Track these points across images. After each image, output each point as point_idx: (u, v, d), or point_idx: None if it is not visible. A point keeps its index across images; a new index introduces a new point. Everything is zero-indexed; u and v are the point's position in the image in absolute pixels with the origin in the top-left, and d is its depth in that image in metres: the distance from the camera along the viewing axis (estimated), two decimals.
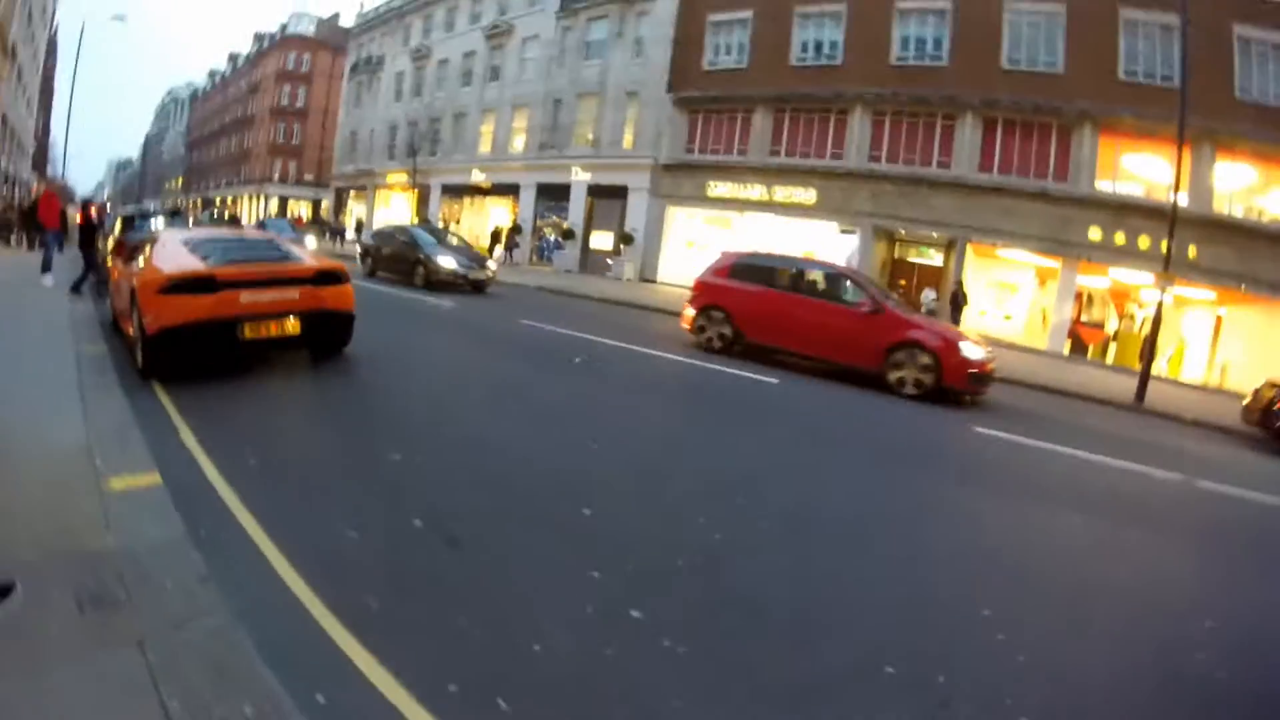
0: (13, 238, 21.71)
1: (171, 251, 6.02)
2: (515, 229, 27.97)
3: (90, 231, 11.09)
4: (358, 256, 18.68)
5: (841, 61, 22.55)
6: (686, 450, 5.32)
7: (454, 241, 17.73)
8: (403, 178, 35.42)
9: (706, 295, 10.42)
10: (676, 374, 8.75)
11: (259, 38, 68.17)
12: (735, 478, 4.71)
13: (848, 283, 9.66)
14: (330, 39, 57.89)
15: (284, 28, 62.52)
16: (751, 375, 8.77)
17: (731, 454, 5.34)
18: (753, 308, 9.82)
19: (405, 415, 5.34)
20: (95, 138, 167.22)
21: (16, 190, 33.42)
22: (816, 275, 10.05)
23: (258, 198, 61.23)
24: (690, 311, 10.51)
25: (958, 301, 17.93)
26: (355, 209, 42.74)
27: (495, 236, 27.39)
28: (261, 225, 47.88)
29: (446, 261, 15.13)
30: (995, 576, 3.56)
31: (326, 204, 48.64)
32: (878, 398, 8.36)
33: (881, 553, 3.73)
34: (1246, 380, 19.52)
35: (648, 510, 3.94)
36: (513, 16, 31.77)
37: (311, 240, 26.30)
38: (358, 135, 42.86)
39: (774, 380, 8.62)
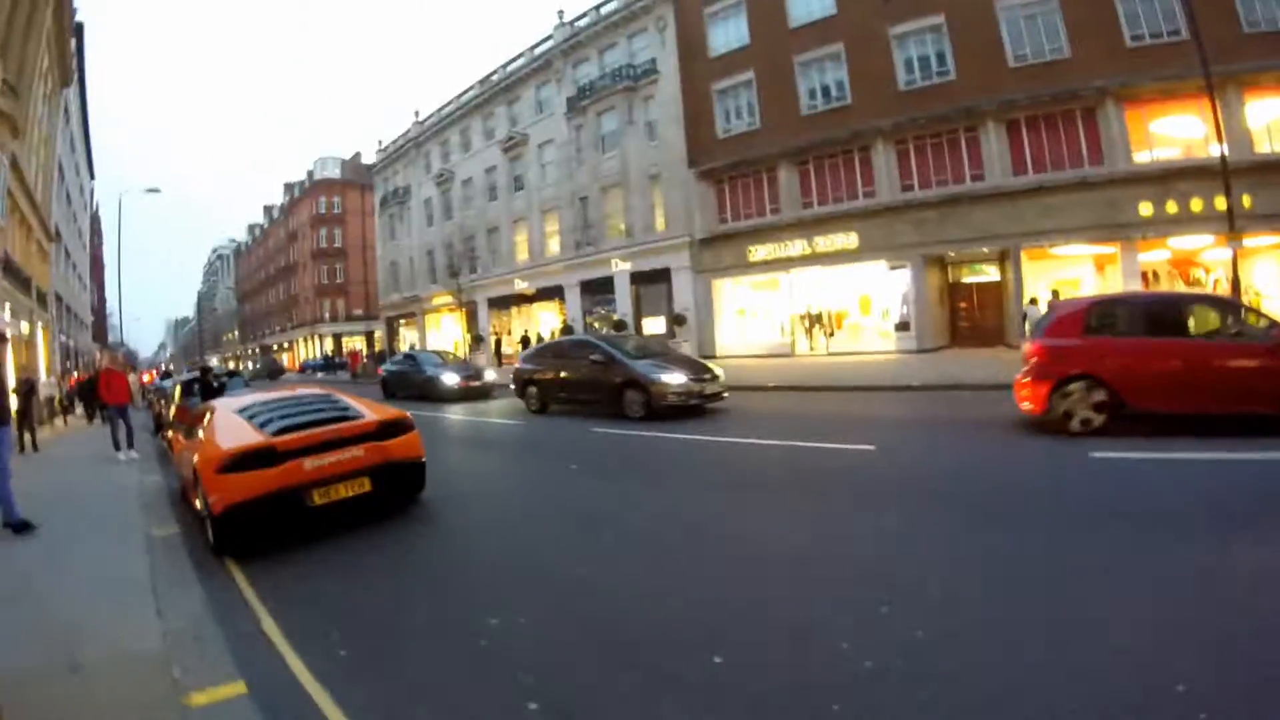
0: (79, 410, 23.54)
1: (228, 423, 6.22)
2: (566, 329, 30.10)
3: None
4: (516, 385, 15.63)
5: (851, 100, 23.99)
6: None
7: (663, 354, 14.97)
8: (448, 299, 38.44)
9: (1060, 362, 8.23)
10: (1064, 476, 6.43)
11: (289, 187, 75.28)
12: None
13: (1242, 312, 8.38)
14: (356, 177, 63.76)
15: (310, 174, 69.02)
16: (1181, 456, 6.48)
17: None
18: (1135, 364, 7.96)
19: (496, 565, 5.11)
20: (151, 301, 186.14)
21: (79, 361, 36.43)
22: (1197, 308, 8.74)
23: (311, 338, 66.62)
24: (1031, 387, 8.33)
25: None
26: (407, 335, 46.31)
27: (525, 343, 29.19)
28: (304, 368, 52.76)
29: (676, 379, 11.78)
30: None
31: (380, 335, 52.64)
32: None
33: None
34: None
35: None
36: (525, 126, 34.86)
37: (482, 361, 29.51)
38: (398, 264, 46.78)
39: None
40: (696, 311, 26.51)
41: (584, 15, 32.36)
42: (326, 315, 64.84)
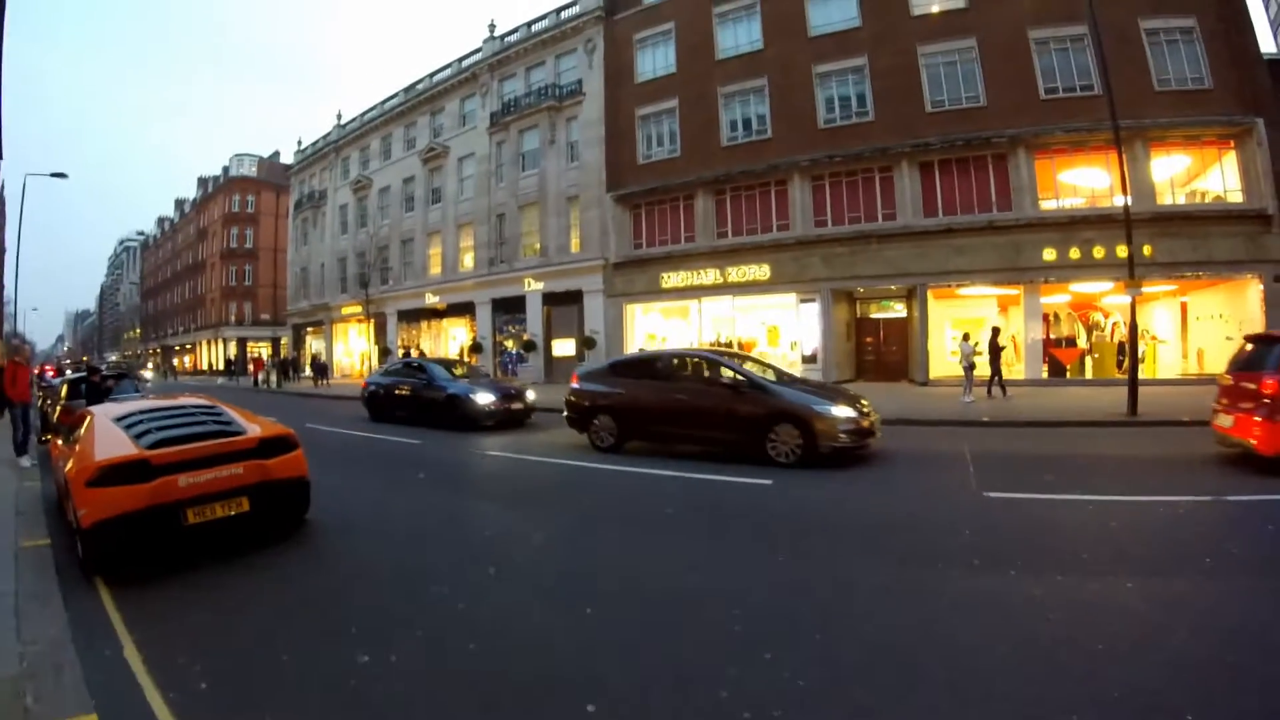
0: None
1: (104, 432, 5.79)
2: (475, 346, 28.50)
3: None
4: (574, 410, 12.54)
5: (771, 134, 23.67)
6: None
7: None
8: (357, 309, 36.19)
9: None
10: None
11: (203, 182, 70.69)
12: None
13: None
14: (273, 177, 60.25)
15: (226, 170, 64.97)
16: None
17: None
18: None
19: (375, 598, 4.69)
20: (52, 292, 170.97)
21: None
22: None
23: (215, 341, 62.19)
24: (1267, 426, 7.20)
25: (996, 349, 17.11)
26: (314, 344, 43.48)
27: (385, 358, 27.56)
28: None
29: (844, 413, 9.21)
30: None
31: (286, 341, 49.41)
32: None
33: None
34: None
35: None
36: (447, 138, 33.32)
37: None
38: (308, 271, 43.98)
39: None
40: (607, 335, 25.43)
41: (514, 31, 31.30)
42: (232, 318, 60.67)
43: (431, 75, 35.29)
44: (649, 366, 10.81)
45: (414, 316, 34.70)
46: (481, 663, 3.55)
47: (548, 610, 4.25)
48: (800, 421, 8.53)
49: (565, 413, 11.09)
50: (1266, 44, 51.15)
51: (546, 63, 29.66)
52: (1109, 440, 10.00)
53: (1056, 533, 5.62)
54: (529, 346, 27.07)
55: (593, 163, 26.84)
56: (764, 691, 3.11)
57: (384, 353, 33.85)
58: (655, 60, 26.78)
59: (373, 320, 35.08)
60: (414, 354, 33.75)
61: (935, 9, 22.13)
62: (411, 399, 15.02)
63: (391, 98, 37.90)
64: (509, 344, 28.85)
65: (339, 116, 42.88)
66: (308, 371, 37.53)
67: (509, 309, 29.17)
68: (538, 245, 28.23)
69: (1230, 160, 20.17)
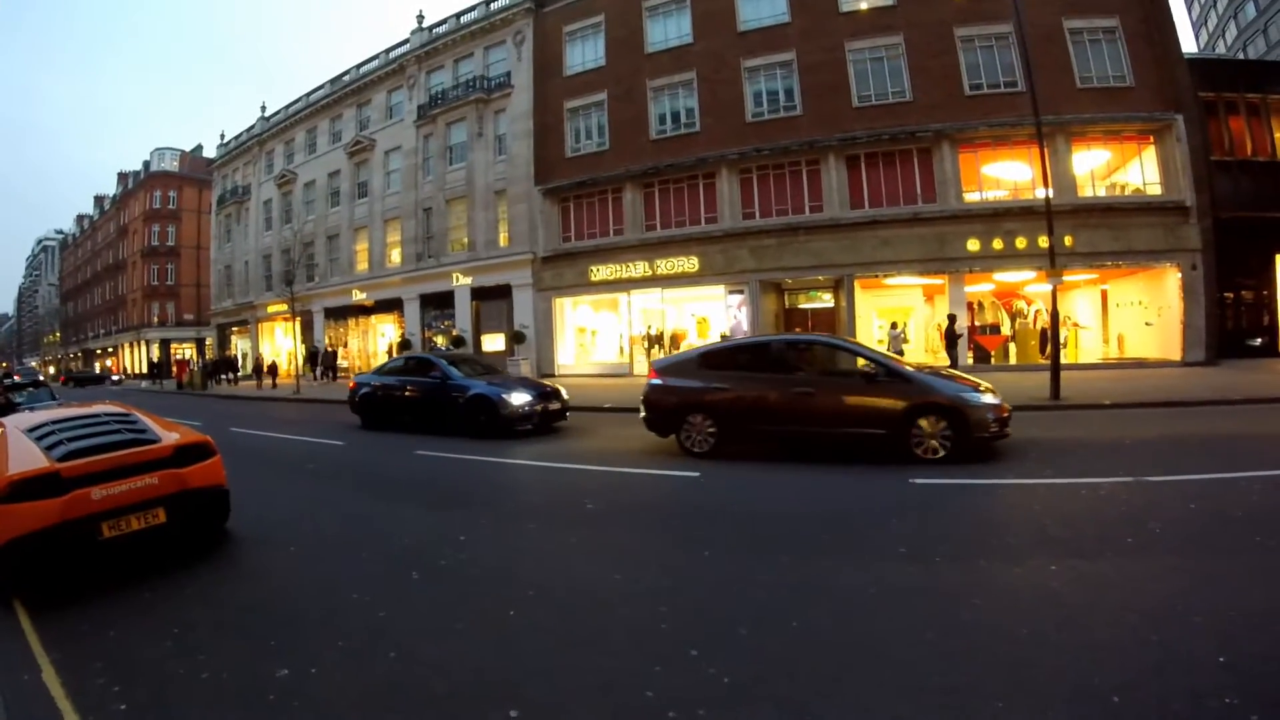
0: None
1: (15, 444, 5.44)
2: (404, 344, 27.20)
3: None
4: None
5: (700, 128, 23.24)
6: None
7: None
8: (283, 307, 34.21)
9: None
10: None
11: (123, 177, 66.40)
12: None
13: None
14: (195, 172, 56.93)
15: (147, 165, 61.21)
16: None
17: None
18: None
19: (296, 608, 4.40)
20: None
21: None
22: None
23: (137, 344, 58.50)
24: None
25: (953, 336, 16.69)
26: (240, 345, 41.15)
27: (313, 358, 26.03)
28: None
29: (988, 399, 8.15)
30: None
31: (211, 342, 46.74)
32: None
33: None
34: (1142, 347, 21.02)
35: None
36: (373, 130, 31.85)
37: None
38: (232, 269, 41.58)
39: None
40: (536, 329, 24.59)
41: (443, 22, 30.08)
42: (155, 319, 57.06)
43: (358, 67, 33.72)
44: (755, 355, 8.94)
45: (341, 314, 33.05)
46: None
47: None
48: (952, 412, 7.48)
49: (643, 414, 9.15)
50: (1188, 44, 53.73)
51: (475, 55, 28.60)
52: (1034, 425, 9.84)
53: (982, 520, 5.56)
54: (458, 342, 25.97)
55: (521, 156, 25.91)
56: None
57: (312, 352, 32.09)
58: (585, 53, 26.04)
59: (298, 319, 33.19)
60: (341, 352, 32.24)
61: (863, 6, 21.95)
62: (420, 402, 12.14)
63: (317, 90, 36.07)
64: (438, 340, 27.65)
65: (263, 109, 40.65)
66: (244, 371, 35.40)
67: (437, 304, 28.00)
68: (466, 240, 27.12)
69: (1150, 155, 20.70)
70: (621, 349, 24.01)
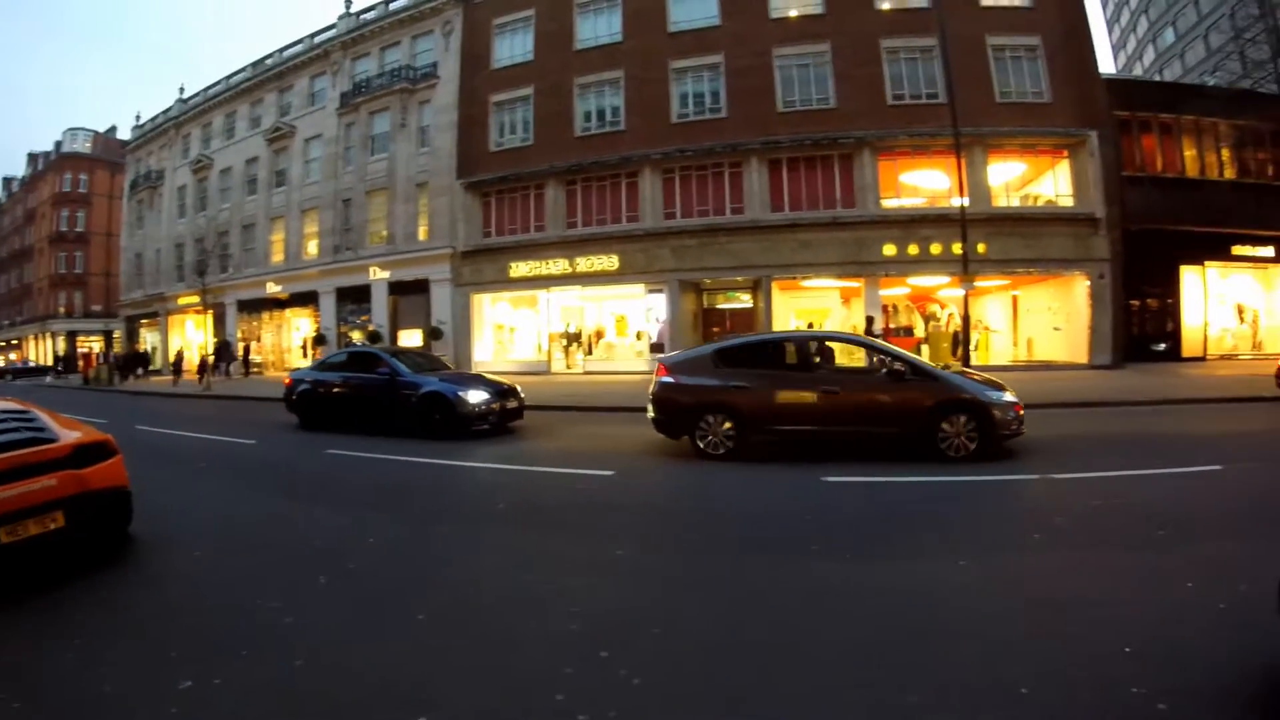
0: None
1: None
2: (319, 339, 26.23)
3: None
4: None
5: (625, 126, 23.12)
6: None
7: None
8: (195, 299, 32.68)
9: None
10: None
11: (33, 159, 62.71)
12: None
13: None
14: (108, 155, 54.04)
15: (59, 145, 57.94)
16: None
17: None
18: None
19: (202, 614, 4.15)
20: None
21: None
22: None
23: (43, 336, 55.22)
24: None
25: (872, 335, 16.89)
26: (149, 338, 39.14)
27: (220, 353, 25.10)
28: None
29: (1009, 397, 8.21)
30: None
31: (119, 335, 44.38)
32: None
33: None
34: (1050, 350, 21.72)
35: None
36: (293, 117, 30.73)
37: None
38: (143, 258, 39.51)
39: None
40: (454, 325, 24.01)
41: (371, 8, 29.28)
42: (61, 310, 53.94)
43: (281, 51, 32.55)
44: (773, 352, 8.66)
45: (255, 307, 31.71)
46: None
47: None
48: (978, 410, 7.43)
49: (651, 414, 8.48)
50: (1107, 65, 56.44)
51: (402, 43, 27.93)
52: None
53: (895, 515, 5.63)
54: (374, 338, 25.13)
55: (444, 149, 25.33)
56: None
57: (223, 345, 30.67)
58: (513, 47, 25.65)
59: (211, 311, 31.76)
60: (254, 347, 30.96)
61: (793, 13, 22.36)
62: (366, 400, 11.14)
63: (238, 72, 34.63)
64: (354, 335, 26.73)
65: (181, 90, 38.87)
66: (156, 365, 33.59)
67: (354, 299, 27.08)
68: (385, 233, 26.36)
69: (1064, 168, 21.57)
70: (540, 346, 23.72)
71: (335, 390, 11.61)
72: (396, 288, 25.73)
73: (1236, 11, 30.77)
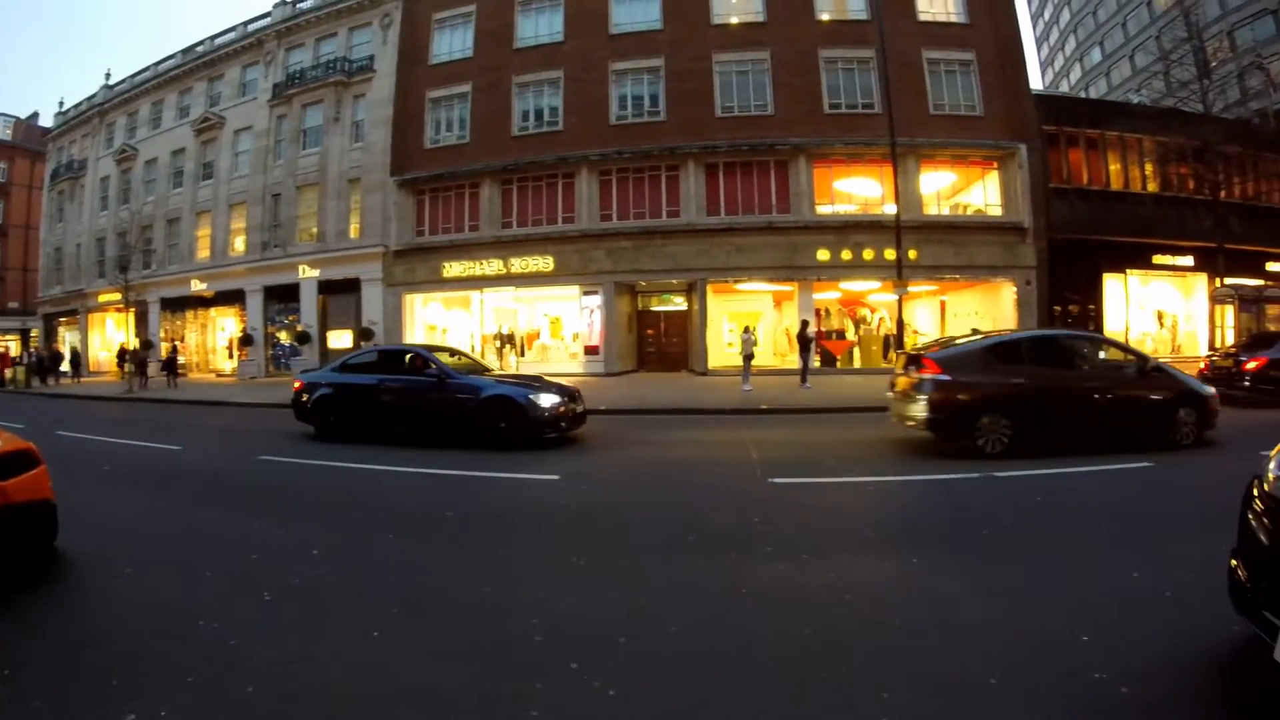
0: None
1: None
2: (245, 339, 25.52)
3: None
4: None
5: (563, 127, 23.14)
6: None
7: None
8: (116, 297, 31.46)
9: None
10: None
11: None
12: None
13: None
14: (29, 142, 51.60)
15: None
16: None
17: None
18: None
19: (144, 638, 3.79)
20: None
21: None
22: None
23: None
24: None
25: (805, 340, 17.31)
26: (69, 337, 37.55)
27: (123, 355, 23.99)
28: None
29: None
30: None
31: (36, 333, 42.50)
32: None
33: None
34: None
35: None
36: (223, 107, 29.91)
37: None
38: (63, 252, 37.94)
39: None
40: (385, 326, 23.63)
41: None
42: None
43: (213, 38, 31.65)
44: (1040, 348, 8.74)
45: (179, 305, 30.70)
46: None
47: None
48: (1200, 402, 8.18)
49: (926, 414, 8.11)
50: (1036, 80, 59.07)
51: (339, 35, 27.50)
52: (881, 424, 10.33)
53: (841, 515, 5.74)
54: (303, 338, 24.60)
55: (378, 144, 24.95)
56: None
57: (145, 345, 29.51)
58: (452, 42, 25.47)
59: (133, 310, 30.61)
60: (179, 347, 29.91)
61: (734, 20, 22.68)
62: (408, 405, 9.83)
63: (168, 59, 33.55)
64: (282, 336, 26.06)
65: (108, 76, 37.46)
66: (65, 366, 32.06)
67: (282, 298, 26.40)
68: (315, 230, 25.81)
69: (993, 179, 22.34)
70: (473, 348, 23.40)
71: (366, 395, 10.04)
72: (326, 287, 25.19)
73: (1163, 34, 32.25)
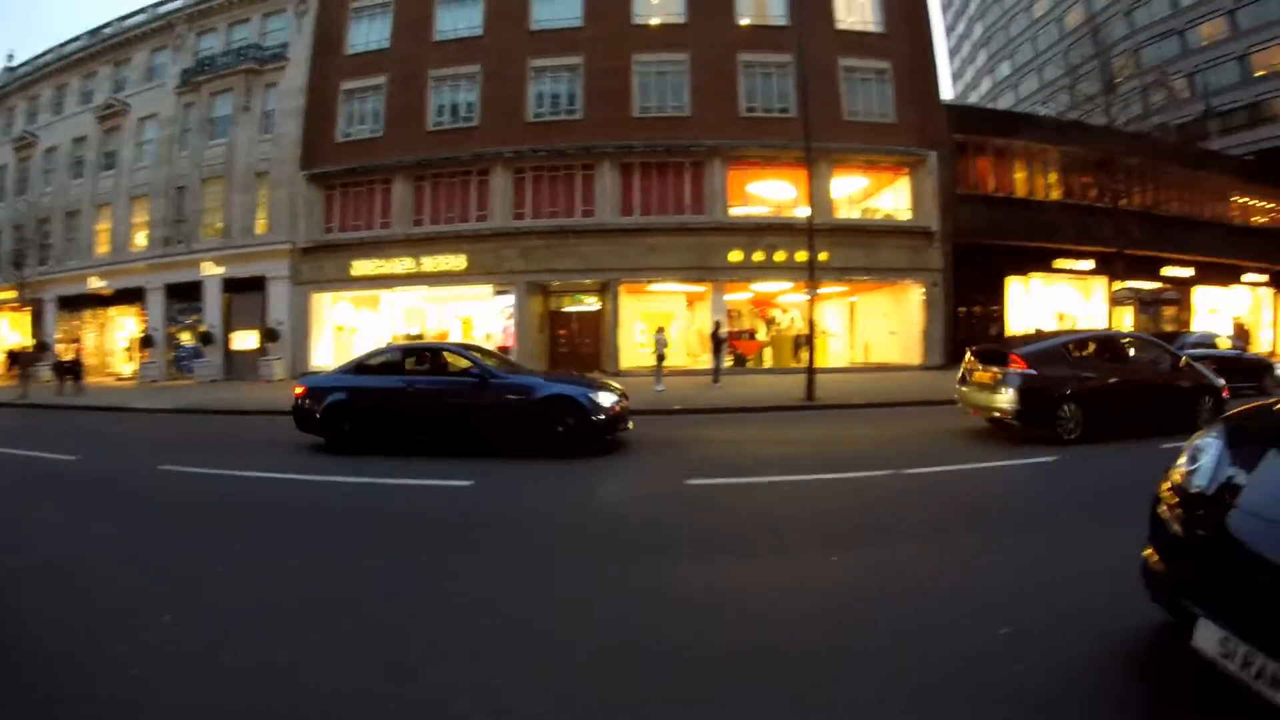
0: None
1: None
2: (145, 340, 24.42)
3: None
4: None
5: (479, 123, 22.82)
6: None
7: None
8: (11, 295, 29.84)
9: None
10: None
11: None
12: None
13: None
14: None
15: None
16: None
17: None
18: None
19: (28, 671, 3.18)
20: None
21: None
22: None
23: None
24: None
25: (719, 340, 17.28)
26: None
27: (14, 357, 22.61)
28: None
29: None
30: None
31: None
32: None
33: None
34: (886, 353, 23.25)
35: None
36: (128, 94, 28.58)
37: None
38: None
39: None
40: (292, 326, 22.86)
41: None
42: None
43: (122, 19, 30.22)
44: (1101, 345, 9.95)
45: (76, 304, 29.15)
46: None
47: None
48: (1215, 391, 9.46)
49: (1016, 406, 8.80)
50: (948, 91, 61.77)
51: (252, 20, 26.57)
52: (793, 423, 10.50)
53: (760, 515, 5.62)
54: (205, 339, 23.61)
55: (288, 136, 24.17)
56: None
57: (40, 347, 27.99)
58: (369, 33, 24.85)
59: (27, 308, 29.14)
60: (72, 349, 28.47)
61: (655, 21, 22.68)
62: (446, 410, 8.69)
63: (73, 40, 31.92)
64: (184, 336, 24.98)
65: (10, 58, 35.49)
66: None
67: (185, 296, 25.23)
68: (220, 225, 24.81)
69: (904, 184, 22.94)
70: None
71: (392, 399, 8.86)
72: (231, 285, 24.22)
73: (1072, 50, 33.67)
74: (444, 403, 8.67)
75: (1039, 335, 11.45)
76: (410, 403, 8.78)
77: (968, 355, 9.80)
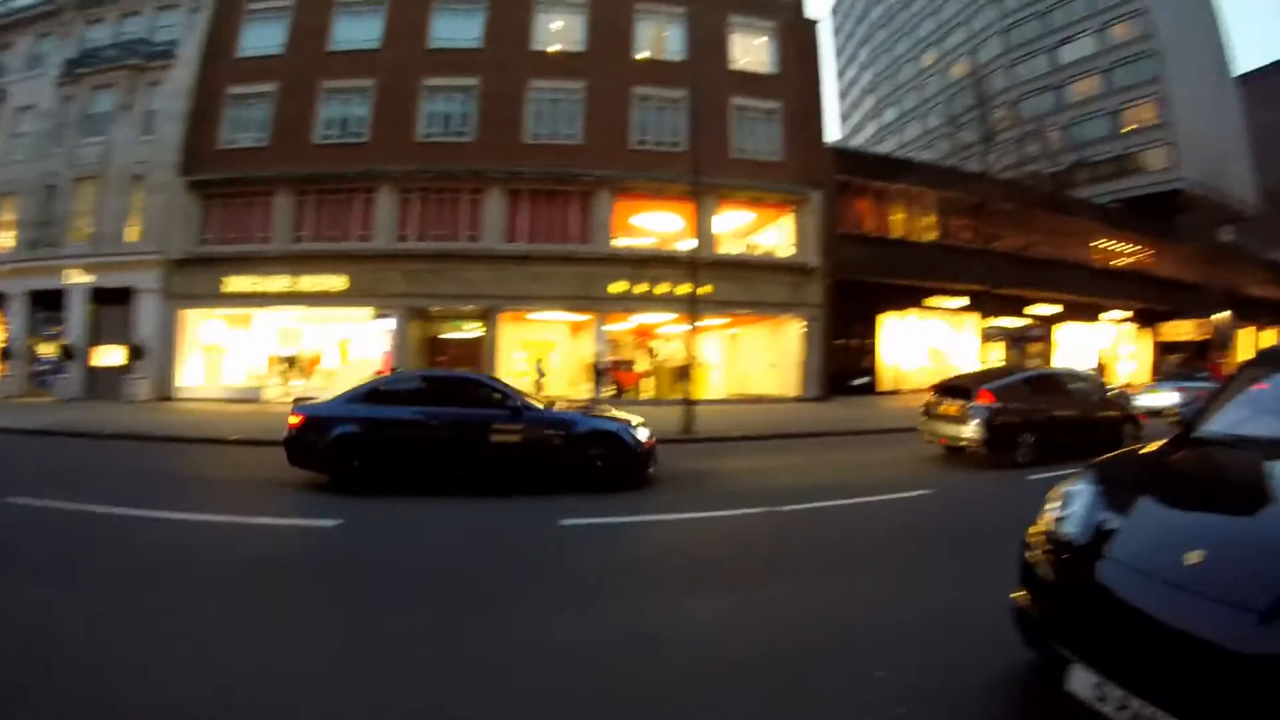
0: None
1: None
2: (4, 353, 23.03)
3: None
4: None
5: (368, 139, 22.59)
6: None
7: None
8: None
9: None
10: None
11: None
12: None
13: None
14: None
15: None
16: None
17: None
18: None
19: None
20: None
21: None
22: None
23: None
24: None
25: (600, 371, 17.75)
26: None
27: None
28: None
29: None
30: None
31: None
32: None
33: None
34: (764, 385, 23.95)
35: None
36: (7, 80, 26.97)
37: None
38: None
39: None
40: (160, 344, 21.92)
41: None
42: None
43: (8, 1, 28.55)
44: (1050, 383, 11.21)
45: None
46: None
47: None
48: (1135, 420, 11.22)
49: (982, 435, 9.86)
50: (835, 132, 65.18)
51: (144, 13, 25.51)
52: (675, 455, 10.56)
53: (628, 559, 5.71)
54: (68, 354, 22.34)
55: (169, 140, 23.25)
56: None
57: None
58: (263, 36, 24.23)
59: None
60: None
61: (555, 48, 22.85)
62: (471, 447, 8.19)
63: None
64: (45, 349, 23.52)
65: None
66: None
67: (50, 305, 23.64)
68: (90, 229, 23.64)
69: (788, 221, 23.77)
70: (251, 371, 22.40)
71: (412, 432, 8.13)
72: (99, 295, 22.94)
73: (954, 99, 35.75)
74: (476, 437, 8.18)
75: (990, 373, 12.80)
76: (433, 436, 8.18)
77: (930, 393, 11.03)
